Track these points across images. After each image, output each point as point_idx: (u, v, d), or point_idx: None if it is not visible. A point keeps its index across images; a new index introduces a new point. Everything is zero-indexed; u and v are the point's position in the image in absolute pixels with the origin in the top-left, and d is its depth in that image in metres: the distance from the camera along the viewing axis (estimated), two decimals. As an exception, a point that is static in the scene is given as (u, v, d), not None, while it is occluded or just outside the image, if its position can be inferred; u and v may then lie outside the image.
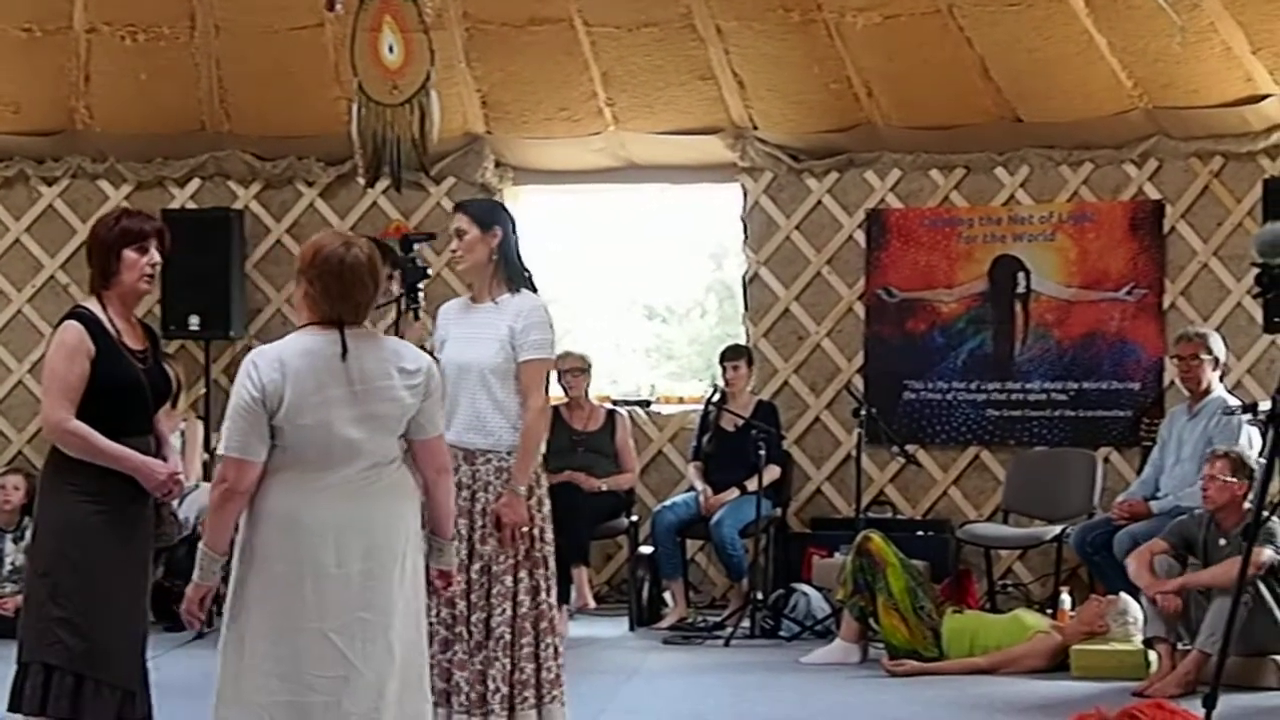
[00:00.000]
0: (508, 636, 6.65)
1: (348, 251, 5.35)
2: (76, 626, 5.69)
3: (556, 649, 6.77)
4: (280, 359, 5.30)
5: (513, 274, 6.87)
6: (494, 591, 6.67)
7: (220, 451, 5.34)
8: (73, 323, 5.81)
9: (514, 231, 6.93)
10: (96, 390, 5.75)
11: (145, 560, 6.00)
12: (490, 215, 6.97)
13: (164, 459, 5.95)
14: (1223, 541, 8.79)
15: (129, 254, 5.88)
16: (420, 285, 8.78)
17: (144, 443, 5.87)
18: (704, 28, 11.40)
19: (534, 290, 6.92)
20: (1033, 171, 11.61)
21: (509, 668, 6.63)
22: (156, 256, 5.94)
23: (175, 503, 10.39)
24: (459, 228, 6.92)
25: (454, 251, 6.97)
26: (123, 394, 5.81)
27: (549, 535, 6.85)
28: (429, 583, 5.63)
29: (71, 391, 5.72)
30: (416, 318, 9.17)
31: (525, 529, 6.70)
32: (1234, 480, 8.80)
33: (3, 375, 12.37)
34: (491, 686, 6.61)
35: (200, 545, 5.39)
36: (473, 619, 6.64)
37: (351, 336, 5.33)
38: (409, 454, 5.53)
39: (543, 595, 6.76)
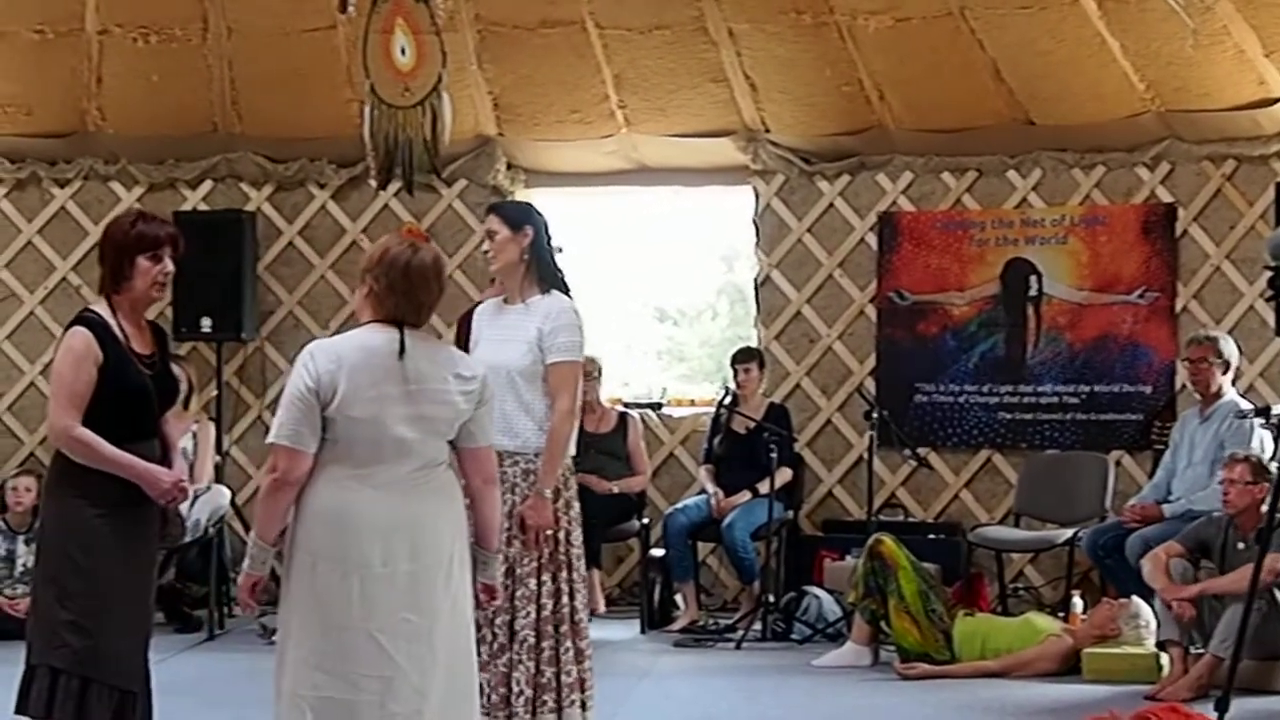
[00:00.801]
0: (531, 639, 6.65)
1: (414, 254, 5.43)
2: (82, 630, 5.68)
3: (580, 652, 6.75)
4: (338, 351, 5.36)
5: (545, 275, 6.88)
6: (518, 594, 6.66)
7: (270, 440, 5.36)
8: (80, 329, 5.78)
9: (546, 232, 6.95)
10: (103, 397, 5.73)
11: (151, 562, 5.99)
12: (521, 216, 6.99)
13: (170, 464, 5.94)
14: (1241, 545, 8.79)
15: (142, 261, 5.85)
16: None
17: (149, 447, 5.86)
18: (716, 30, 11.40)
19: (567, 291, 6.91)
20: (1045, 174, 11.60)
21: (533, 671, 6.63)
22: (170, 265, 5.92)
23: (185, 505, 10.45)
24: (490, 229, 6.94)
25: (485, 252, 6.99)
26: (129, 401, 5.79)
27: (576, 538, 6.82)
28: (474, 595, 5.63)
29: (78, 398, 5.70)
30: None
31: (550, 532, 6.70)
32: (1254, 484, 8.80)
33: (15, 377, 12.37)
34: (515, 689, 6.61)
35: (251, 535, 5.44)
36: (497, 621, 6.64)
37: (410, 337, 5.39)
38: (456, 462, 5.55)
39: (565, 599, 6.74)
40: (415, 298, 5.41)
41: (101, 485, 5.73)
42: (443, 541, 5.42)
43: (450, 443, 5.50)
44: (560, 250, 9.78)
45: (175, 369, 10.21)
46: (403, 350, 5.35)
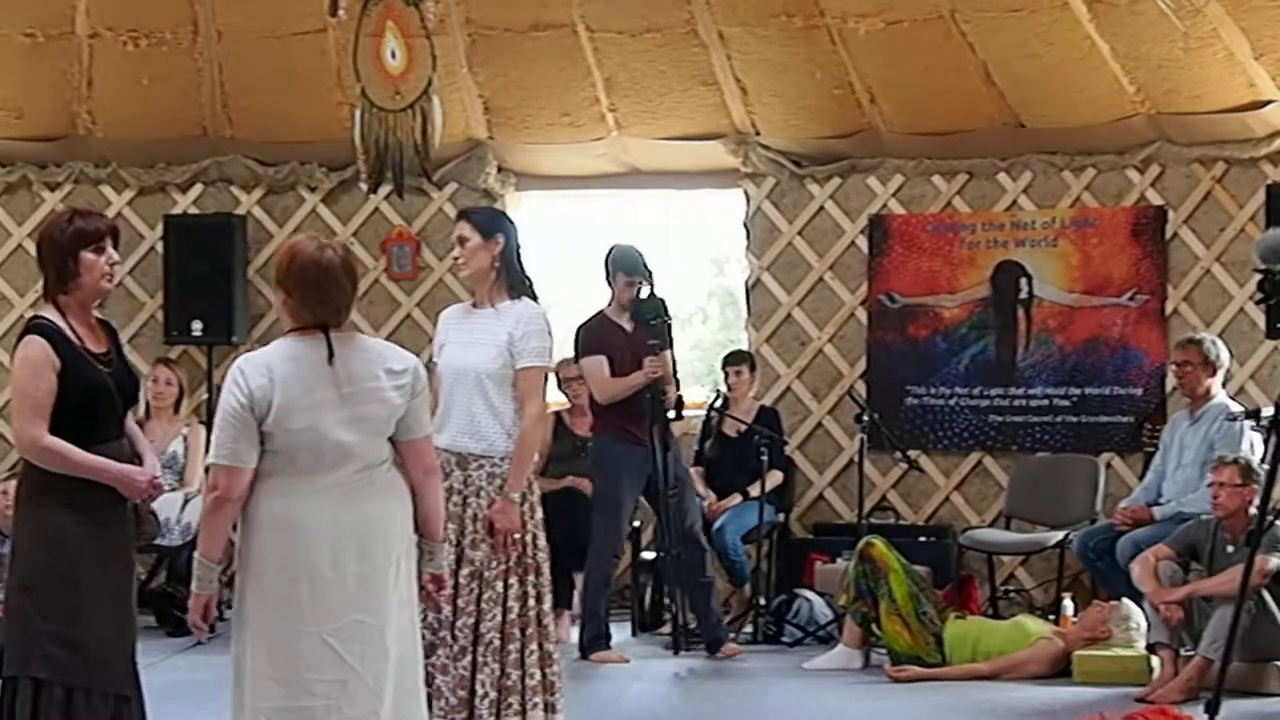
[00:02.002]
0: (496, 642, 6.69)
1: (321, 255, 5.40)
2: (65, 638, 5.60)
3: (547, 655, 6.80)
4: (268, 365, 5.34)
5: (514, 282, 6.96)
6: (484, 597, 6.70)
7: (210, 460, 5.35)
8: (35, 337, 5.67)
9: (516, 240, 7.02)
10: (66, 402, 5.64)
11: (130, 564, 5.92)
12: (492, 223, 7.05)
13: (139, 458, 5.88)
14: (1230, 548, 8.78)
15: (87, 256, 5.74)
16: (662, 320, 9.02)
17: (118, 447, 5.79)
18: (706, 33, 11.40)
19: (535, 298, 6.98)
20: (1035, 177, 11.60)
21: (497, 673, 6.66)
22: (115, 255, 5.84)
23: (177, 507, 10.41)
24: (461, 235, 7.01)
25: (456, 258, 7.05)
26: (92, 402, 5.70)
27: (542, 541, 6.90)
28: (421, 587, 5.62)
29: (42, 408, 5.60)
30: (662, 349, 9.40)
31: (518, 535, 6.74)
32: (1243, 486, 8.80)
33: (5, 380, 12.32)
34: (480, 692, 6.64)
35: (195, 554, 5.44)
36: (458, 624, 6.68)
37: (337, 340, 5.37)
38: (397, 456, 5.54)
39: (532, 602, 6.80)
40: (331, 301, 5.38)
41: (79, 493, 5.65)
42: (390, 540, 5.42)
43: (390, 438, 5.48)
44: (651, 279, 9.83)
45: (171, 369, 10.11)
46: (331, 355, 5.33)
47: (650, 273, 10.00)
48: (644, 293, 9.93)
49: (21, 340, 5.71)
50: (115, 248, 5.87)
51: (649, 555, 11.14)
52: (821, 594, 10.66)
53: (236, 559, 5.39)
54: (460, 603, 6.67)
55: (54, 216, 5.95)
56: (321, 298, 5.37)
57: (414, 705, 5.52)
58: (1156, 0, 10.06)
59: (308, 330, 5.39)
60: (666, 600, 11.12)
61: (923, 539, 11.17)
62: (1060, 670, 9.20)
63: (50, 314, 5.75)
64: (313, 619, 5.28)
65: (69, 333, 5.72)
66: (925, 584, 9.79)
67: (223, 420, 5.31)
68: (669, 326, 9.92)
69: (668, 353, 9.91)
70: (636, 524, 11.16)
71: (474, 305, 7.05)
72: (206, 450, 11.15)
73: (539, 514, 6.93)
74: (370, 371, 5.39)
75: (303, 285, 5.37)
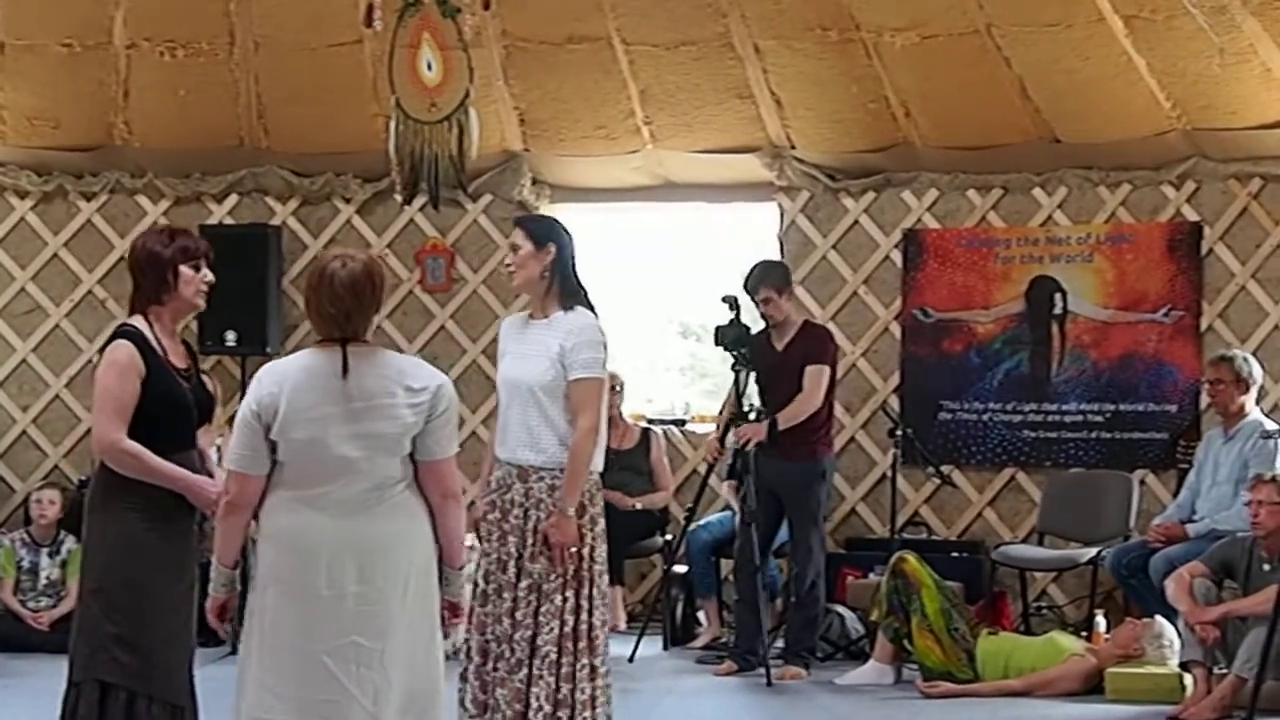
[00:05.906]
0: (553, 655, 6.65)
1: (329, 265, 5.43)
2: (131, 643, 5.70)
3: (594, 669, 6.75)
4: (282, 373, 5.40)
5: (567, 292, 6.88)
6: (543, 610, 6.67)
7: (224, 465, 5.45)
8: (123, 341, 5.81)
9: (570, 250, 6.95)
10: (146, 409, 5.76)
11: (194, 576, 6.00)
12: (545, 233, 7.00)
13: (209, 474, 5.98)
14: (1266, 566, 8.75)
15: (186, 270, 5.92)
16: (739, 348, 8.94)
17: (189, 459, 5.89)
18: (742, 46, 11.40)
19: (591, 309, 6.91)
20: (1070, 192, 11.57)
21: (553, 687, 6.63)
22: (209, 274, 6.02)
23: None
24: (514, 243, 6.96)
25: (507, 265, 7.01)
26: (171, 412, 5.83)
27: (600, 554, 6.82)
28: (440, 614, 5.57)
29: (124, 411, 5.73)
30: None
31: (574, 549, 6.70)
32: (1280, 504, 8.79)
33: (40, 390, 12.40)
34: (534, 705, 6.61)
35: (212, 558, 5.51)
36: (516, 637, 6.65)
37: (354, 354, 5.36)
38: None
39: (584, 615, 6.75)
40: (332, 310, 5.38)
41: (151, 498, 5.75)
42: (396, 561, 5.37)
43: (412, 457, 5.45)
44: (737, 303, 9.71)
45: (207, 381, 10.22)
46: (346, 369, 5.33)
47: (738, 297, 9.88)
48: (730, 317, 9.80)
49: (109, 344, 5.86)
50: (210, 268, 6.02)
51: (681, 569, 11.13)
52: (853, 609, 10.65)
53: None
54: (518, 615, 6.64)
55: (150, 232, 6.13)
56: (320, 307, 5.41)
57: None
58: (1193, 14, 10.04)
59: (326, 342, 5.41)
60: (699, 614, 11.16)
61: (955, 554, 11.15)
62: (1093, 687, 9.17)
63: (139, 324, 5.90)
64: (309, 637, 5.30)
65: (155, 343, 5.85)
66: (957, 600, 9.77)
67: (237, 426, 5.39)
68: (744, 355, 9.78)
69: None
70: (669, 537, 11.17)
71: (531, 316, 7.02)
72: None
73: (600, 525, 6.84)
74: (385, 388, 5.36)
75: (318, 294, 5.42)
